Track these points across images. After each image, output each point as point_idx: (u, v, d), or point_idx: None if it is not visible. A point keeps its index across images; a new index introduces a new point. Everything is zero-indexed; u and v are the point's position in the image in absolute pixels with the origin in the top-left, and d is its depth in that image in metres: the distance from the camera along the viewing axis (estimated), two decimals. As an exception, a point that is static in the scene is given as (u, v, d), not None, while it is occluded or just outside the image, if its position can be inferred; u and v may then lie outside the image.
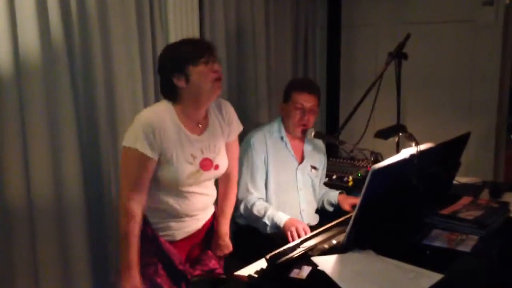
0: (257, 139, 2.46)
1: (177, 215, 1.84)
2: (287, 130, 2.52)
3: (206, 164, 1.85)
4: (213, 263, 1.94)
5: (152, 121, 1.73)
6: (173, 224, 1.85)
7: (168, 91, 1.81)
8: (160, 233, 1.85)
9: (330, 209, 2.63)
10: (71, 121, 2.11)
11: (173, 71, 1.76)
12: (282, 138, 2.51)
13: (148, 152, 1.71)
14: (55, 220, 2.08)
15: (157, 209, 1.83)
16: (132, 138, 1.71)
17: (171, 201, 1.82)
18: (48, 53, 2.00)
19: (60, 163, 2.09)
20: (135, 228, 1.73)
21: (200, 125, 1.84)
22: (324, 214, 2.65)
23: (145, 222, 1.81)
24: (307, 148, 2.59)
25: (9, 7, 1.89)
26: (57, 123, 2.07)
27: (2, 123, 1.94)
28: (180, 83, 1.76)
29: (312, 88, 2.49)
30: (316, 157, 2.63)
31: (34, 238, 2.04)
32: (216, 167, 1.88)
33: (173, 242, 1.86)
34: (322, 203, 2.67)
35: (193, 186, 1.83)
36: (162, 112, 1.78)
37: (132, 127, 1.74)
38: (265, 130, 2.51)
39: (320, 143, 2.66)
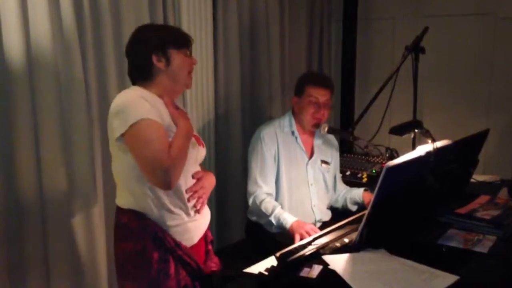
0: (268, 133, 2.43)
1: (190, 209, 1.74)
2: (299, 124, 2.48)
3: (197, 139, 1.79)
4: (213, 266, 1.87)
5: (142, 95, 1.63)
6: (190, 225, 1.73)
7: (142, 71, 1.71)
8: (179, 239, 1.70)
9: (354, 208, 2.54)
10: (84, 115, 2.10)
11: (155, 50, 1.68)
12: (293, 132, 2.48)
13: (159, 120, 1.59)
14: (67, 216, 2.07)
15: (175, 206, 1.69)
16: (135, 111, 1.56)
17: (183, 183, 1.69)
18: (60, 45, 1.99)
19: (72, 157, 2.08)
20: (178, 145, 1.60)
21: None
22: (340, 212, 2.59)
23: (163, 230, 1.67)
24: (317, 142, 2.55)
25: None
26: (70, 117, 2.06)
27: (14, 117, 1.92)
28: (160, 64, 1.69)
29: (327, 83, 2.45)
30: (328, 152, 2.59)
31: (46, 234, 2.03)
32: (203, 144, 1.84)
33: (192, 246, 1.76)
34: (345, 201, 2.58)
35: (193, 165, 1.75)
36: (142, 90, 1.68)
37: (124, 106, 1.58)
38: (276, 125, 2.48)
39: (331, 138, 2.62)
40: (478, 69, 3.31)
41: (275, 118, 2.58)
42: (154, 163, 1.55)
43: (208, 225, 1.86)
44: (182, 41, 1.74)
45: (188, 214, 1.73)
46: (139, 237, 1.65)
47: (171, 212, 1.68)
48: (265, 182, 2.40)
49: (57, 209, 2.03)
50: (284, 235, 2.21)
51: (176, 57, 1.71)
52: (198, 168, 1.80)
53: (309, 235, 2.06)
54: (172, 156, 1.56)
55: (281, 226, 2.26)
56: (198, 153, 1.78)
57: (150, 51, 1.68)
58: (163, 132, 1.60)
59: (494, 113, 3.25)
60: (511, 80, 3.20)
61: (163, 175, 1.56)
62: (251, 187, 2.43)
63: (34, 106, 1.96)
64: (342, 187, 2.67)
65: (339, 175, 2.69)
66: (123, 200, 1.71)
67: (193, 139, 1.74)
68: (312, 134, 2.54)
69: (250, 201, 2.42)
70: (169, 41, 1.70)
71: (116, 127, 1.59)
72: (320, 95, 2.40)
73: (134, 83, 1.76)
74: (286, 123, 2.49)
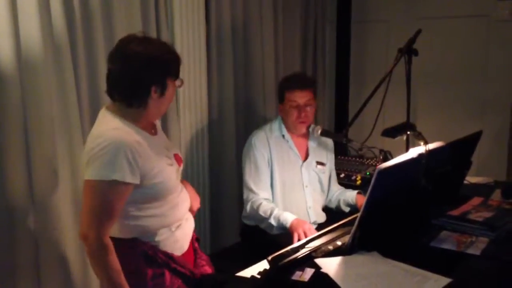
0: (259, 138, 2.44)
1: (176, 220, 1.75)
2: (288, 128, 2.48)
3: (178, 159, 1.80)
4: (206, 269, 1.88)
5: (125, 141, 1.53)
6: (178, 234, 1.74)
7: (135, 100, 1.62)
8: (170, 250, 1.71)
9: (347, 209, 2.56)
10: (75, 118, 2.09)
11: (156, 83, 1.61)
12: (283, 136, 2.48)
13: (129, 178, 1.53)
14: (59, 221, 2.05)
15: (162, 225, 1.69)
16: (107, 169, 1.50)
17: (167, 208, 1.70)
18: (50, 49, 1.98)
19: (64, 163, 2.06)
20: (115, 258, 1.57)
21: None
22: (334, 213, 2.59)
23: (152, 247, 1.66)
24: (312, 144, 2.55)
25: (11, 2, 1.86)
26: (60, 120, 2.05)
27: (5, 120, 1.91)
28: (155, 95, 1.62)
29: (303, 83, 2.45)
30: (323, 153, 2.59)
31: (37, 240, 2.02)
32: (181, 160, 1.85)
33: (183, 253, 1.77)
34: (338, 203, 2.60)
35: (179, 184, 1.78)
36: (123, 126, 1.60)
37: (99, 156, 1.51)
38: (266, 130, 2.49)
39: (326, 139, 2.62)
40: (471, 71, 3.32)
41: (265, 124, 2.57)
42: (93, 220, 1.54)
43: (193, 227, 1.86)
44: (178, 67, 1.68)
45: (177, 226, 1.74)
46: (130, 258, 1.63)
47: (156, 232, 1.68)
48: (259, 188, 2.40)
49: (48, 215, 2.01)
50: (286, 235, 2.21)
51: (170, 87, 1.66)
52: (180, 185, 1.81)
53: (306, 235, 2.08)
54: (100, 243, 1.53)
55: (282, 226, 2.27)
56: (178, 173, 1.79)
57: (151, 84, 1.61)
58: (123, 199, 1.56)
59: (487, 115, 3.25)
60: (505, 82, 3.20)
61: (90, 230, 1.54)
62: (246, 195, 2.43)
63: (25, 111, 1.95)
64: (336, 188, 2.68)
65: (334, 176, 2.69)
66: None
67: (175, 164, 1.75)
68: (306, 137, 2.54)
69: (248, 207, 2.42)
70: (170, 72, 1.65)
71: (86, 170, 1.55)
72: (298, 97, 2.40)
73: (112, 99, 1.66)
74: (276, 127, 2.50)
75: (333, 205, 2.63)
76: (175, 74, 1.68)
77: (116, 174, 1.51)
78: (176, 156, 1.79)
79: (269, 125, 2.52)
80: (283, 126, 2.49)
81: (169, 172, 1.69)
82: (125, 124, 1.61)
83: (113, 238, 1.61)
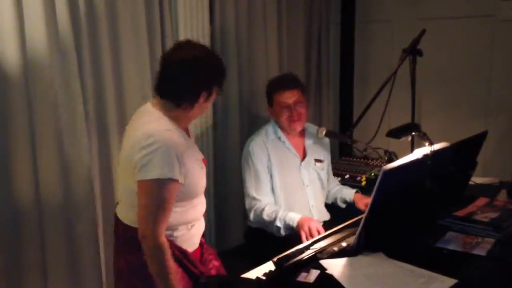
0: (256, 144, 2.44)
1: (195, 219, 1.80)
2: (283, 129, 2.48)
3: (204, 162, 1.86)
4: (214, 263, 1.90)
5: (175, 143, 1.63)
6: (192, 231, 1.80)
7: (184, 101, 1.69)
8: (185, 246, 1.76)
9: (343, 206, 2.58)
10: (80, 120, 2.09)
11: (206, 88, 1.71)
12: (279, 138, 2.48)
13: (180, 177, 1.62)
14: (64, 220, 2.07)
15: (181, 222, 1.74)
16: (163, 168, 1.57)
17: (189, 207, 1.76)
18: (56, 50, 1.99)
19: (69, 162, 2.07)
20: (171, 258, 1.64)
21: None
22: (336, 210, 2.60)
23: (170, 241, 1.68)
24: (308, 142, 2.55)
25: (17, 3, 1.87)
26: (66, 122, 2.05)
27: (11, 122, 1.92)
28: (202, 99, 1.72)
29: (290, 83, 2.44)
30: (320, 150, 2.59)
31: (43, 238, 2.03)
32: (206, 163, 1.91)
33: (195, 249, 1.82)
34: (335, 200, 2.61)
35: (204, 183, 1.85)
36: (173, 128, 1.68)
37: (153, 156, 1.58)
38: (262, 134, 2.49)
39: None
40: (476, 71, 3.31)
41: (260, 129, 2.55)
42: (149, 220, 1.60)
43: (204, 226, 1.90)
44: (224, 74, 1.77)
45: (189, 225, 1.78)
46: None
47: (175, 227, 1.73)
48: (262, 195, 2.40)
49: (54, 215, 2.02)
50: (290, 237, 2.21)
51: (215, 92, 1.76)
52: None
53: (312, 231, 2.08)
54: (156, 241, 1.59)
55: (289, 227, 2.27)
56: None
57: (202, 90, 1.70)
58: (174, 197, 1.63)
59: (492, 115, 3.24)
60: (510, 82, 3.19)
61: (147, 230, 1.60)
62: (249, 203, 2.43)
63: (30, 112, 1.96)
64: (334, 183, 2.68)
65: (331, 171, 2.70)
66: (134, 219, 1.67)
67: (204, 167, 1.82)
68: (302, 135, 2.54)
69: (251, 215, 2.42)
70: (218, 80, 1.74)
71: (140, 171, 1.59)
72: (287, 98, 2.39)
73: (161, 96, 1.72)
74: (271, 130, 2.49)
75: (329, 201, 2.64)
76: (221, 84, 1.77)
77: (171, 173, 1.59)
78: (203, 159, 1.84)
79: (264, 130, 2.51)
80: (277, 128, 2.48)
81: (201, 175, 1.77)
82: (168, 121, 1.69)
83: (133, 229, 1.65)
